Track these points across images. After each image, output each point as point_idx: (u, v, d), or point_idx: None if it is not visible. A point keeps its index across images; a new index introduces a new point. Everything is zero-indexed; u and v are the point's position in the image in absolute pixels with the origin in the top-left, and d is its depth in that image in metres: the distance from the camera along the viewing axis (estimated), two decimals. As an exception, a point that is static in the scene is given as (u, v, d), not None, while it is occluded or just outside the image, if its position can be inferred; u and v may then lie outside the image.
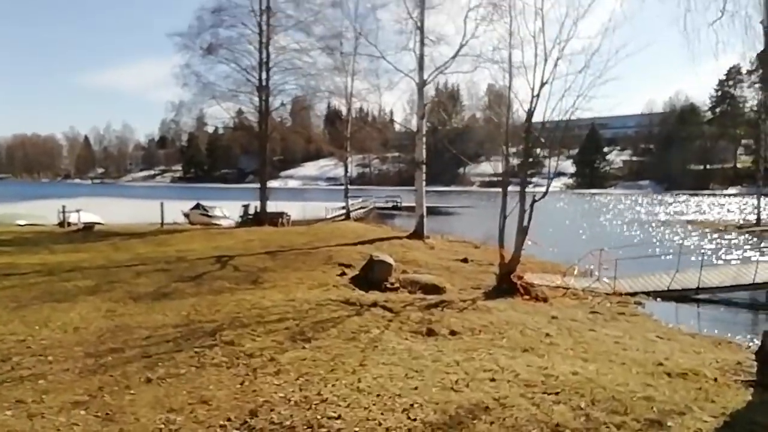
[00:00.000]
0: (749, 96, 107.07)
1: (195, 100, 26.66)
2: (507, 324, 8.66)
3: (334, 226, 27.02)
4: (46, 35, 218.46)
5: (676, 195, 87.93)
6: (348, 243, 19.03)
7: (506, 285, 12.78)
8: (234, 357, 5.89)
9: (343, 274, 12.85)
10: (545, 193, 13.25)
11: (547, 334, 8.13)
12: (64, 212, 26.97)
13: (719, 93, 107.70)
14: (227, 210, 36.05)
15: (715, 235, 31.30)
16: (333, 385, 5.15)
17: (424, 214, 22.32)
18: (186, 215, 34.05)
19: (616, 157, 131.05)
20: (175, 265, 13.47)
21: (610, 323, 10.70)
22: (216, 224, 31.88)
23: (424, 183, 22.43)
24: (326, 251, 16.64)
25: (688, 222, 38.67)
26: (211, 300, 9.03)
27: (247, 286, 10.80)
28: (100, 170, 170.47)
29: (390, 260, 12.40)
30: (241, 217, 29.05)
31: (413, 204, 58.02)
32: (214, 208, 35.64)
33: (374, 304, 8.76)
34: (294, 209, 33.30)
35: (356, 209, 42.00)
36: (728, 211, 49.76)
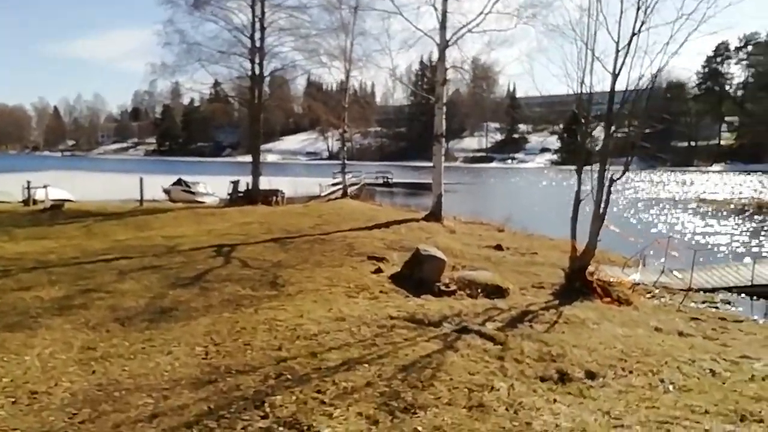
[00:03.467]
0: (736, 73, 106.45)
1: (178, 63, 23.44)
2: (636, 350, 6.31)
3: (336, 206, 24.37)
4: (10, 2, 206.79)
5: (662, 172, 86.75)
6: (361, 227, 16.50)
7: (579, 284, 10.45)
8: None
9: (378, 271, 10.34)
10: (624, 171, 10.84)
11: (712, 372, 5.78)
12: (29, 188, 23.69)
13: (706, 70, 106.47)
14: (210, 186, 33.13)
15: (738, 217, 29.56)
16: None
17: (442, 193, 19.79)
18: (166, 192, 30.98)
19: (601, 134, 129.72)
20: (167, 259, 10.80)
21: (737, 337, 8.45)
22: (199, 201, 29.02)
23: (443, 158, 19.86)
24: (342, 238, 14.10)
25: (699, 201, 36.90)
26: (231, 321, 6.43)
27: (268, 292, 8.24)
28: (71, 142, 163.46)
29: (441, 255, 9.94)
30: (229, 194, 26.16)
31: (407, 180, 55.74)
32: (196, 183, 32.65)
33: (461, 329, 6.26)
34: (284, 185, 30.45)
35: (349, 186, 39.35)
36: (731, 188, 48.33)
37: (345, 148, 31.54)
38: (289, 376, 4.63)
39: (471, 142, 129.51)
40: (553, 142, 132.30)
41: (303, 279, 9.32)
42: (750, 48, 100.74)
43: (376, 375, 4.73)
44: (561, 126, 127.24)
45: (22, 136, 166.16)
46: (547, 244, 17.37)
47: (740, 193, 44.35)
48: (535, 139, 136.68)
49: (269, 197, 24.64)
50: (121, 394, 4.23)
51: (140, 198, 23.99)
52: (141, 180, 23.99)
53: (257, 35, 23.48)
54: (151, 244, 12.96)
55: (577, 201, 10.76)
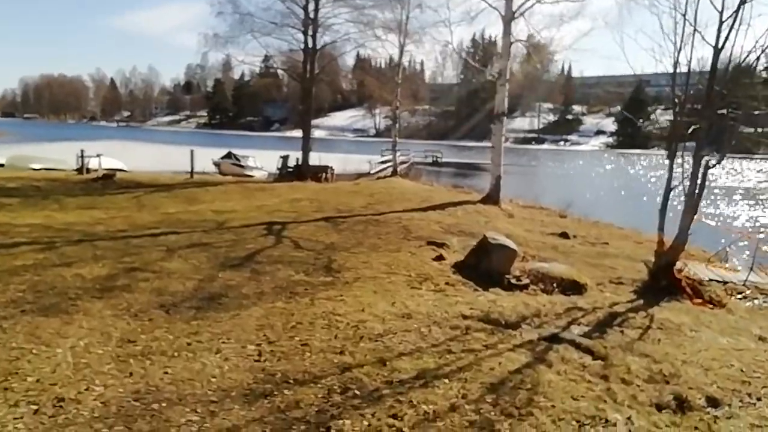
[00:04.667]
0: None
1: (230, 34, 22.92)
2: (758, 370, 5.29)
3: (387, 184, 23.58)
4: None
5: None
6: (415, 208, 15.66)
7: (666, 282, 9.33)
8: None
9: (440, 258, 9.49)
10: (722, 158, 9.56)
11: None
12: (82, 157, 23.78)
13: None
14: (260, 160, 32.87)
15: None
16: None
17: (501, 175, 18.68)
18: (216, 164, 30.93)
19: (660, 117, 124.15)
20: (216, 236, 10.24)
21: None
22: (249, 175, 28.76)
23: (503, 138, 18.69)
24: (396, 219, 13.29)
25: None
26: (286, 314, 5.70)
27: (323, 278, 7.51)
28: (126, 113, 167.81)
29: (512, 244, 8.99)
30: (278, 169, 25.71)
31: (456, 160, 54.38)
32: (247, 157, 32.42)
33: (551, 337, 5.37)
34: (333, 162, 29.77)
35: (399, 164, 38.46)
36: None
37: (396, 126, 30.54)
38: (356, 392, 3.88)
39: (522, 123, 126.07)
40: (609, 124, 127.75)
41: (359, 264, 8.57)
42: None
43: (460, 395, 3.92)
44: (619, 108, 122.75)
45: (79, 106, 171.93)
46: (617, 234, 16.13)
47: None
48: (590, 121, 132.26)
49: (319, 173, 24.07)
50: (161, 407, 3.55)
51: (191, 170, 23.77)
52: (192, 152, 23.77)
53: (311, 6, 22.73)
54: (200, 218, 12.49)
55: (668, 190, 9.57)
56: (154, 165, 31.10)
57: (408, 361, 4.50)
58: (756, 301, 10.37)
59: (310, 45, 23.15)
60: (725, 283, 11.11)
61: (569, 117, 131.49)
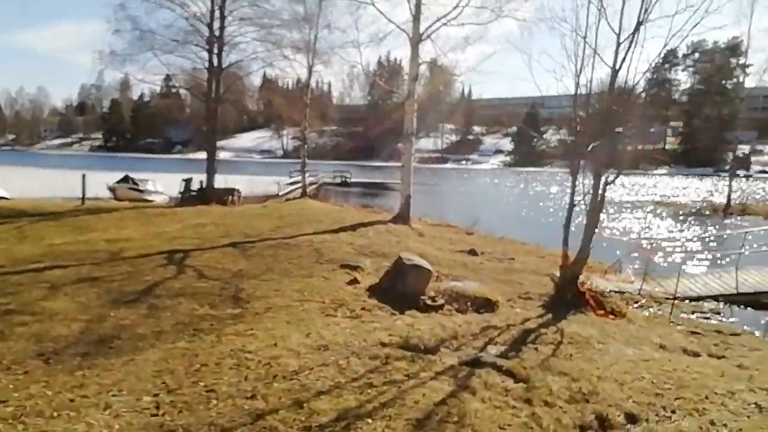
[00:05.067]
0: (683, 79, 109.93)
1: (129, 51, 21.55)
2: (668, 382, 5.42)
3: (296, 206, 23.06)
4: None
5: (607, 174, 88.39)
6: (327, 230, 15.34)
7: (571, 295, 9.61)
8: None
9: (354, 282, 9.23)
10: (619, 174, 10.01)
11: (759, 407, 4.94)
12: (-43, 184, 21.39)
13: (655, 75, 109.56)
14: (160, 184, 31.15)
15: (697, 220, 29.83)
16: None
17: (411, 194, 18.79)
18: (112, 189, 28.87)
19: (552, 136, 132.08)
20: (110, 268, 9.36)
21: (744, 354, 7.77)
22: (148, 200, 27.13)
23: (412, 158, 18.84)
24: (307, 242, 12.91)
25: (657, 203, 37.22)
26: (188, 355, 5.15)
27: (231, 310, 7.00)
28: (11, 136, 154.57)
29: (426, 264, 8.90)
30: (181, 193, 24.42)
31: (365, 180, 54.55)
32: (145, 181, 30.59)
33: (473, 361, 5.22)
34: (240, 184, 28.79)
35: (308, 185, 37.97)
36: (682, 191, 49.37)
37: (305, 146, 30.14)
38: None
39: (427, 143, 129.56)
40: (506, 143, 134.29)
41: (270, 292, 8.12)
42: (697, 55, 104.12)
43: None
44: (515, 128, 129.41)
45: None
46: (521, 249, 16.64)
47: (693, 195, 45.28)
48: (489, 141, 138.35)
49: (225, 196, 23.11)
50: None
51: (82, 196, 22.01)
52: (83, 177, 22.01)
53: (216, 24, 21.95)
54: (91, 249, 11.45)
55: (571, 206, 9.92)
56: (42, 191, 28.57)
57: (327, 401, 4.16)
58: (651, 310, 10.97)
59: (215, 64, 22.32)
60: (622, 293, 11.69)
61: (470, 137, 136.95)
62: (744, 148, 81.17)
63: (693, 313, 10.91)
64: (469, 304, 8.58)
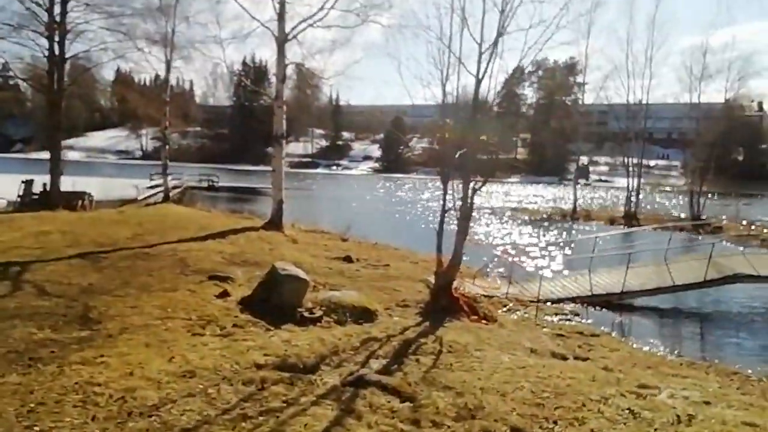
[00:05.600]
0: (529, 95, 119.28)
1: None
2: (546, 390, 5.55)
3: (158, 211, 21.34)
4: None
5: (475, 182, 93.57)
6: (193, 237, 14.31)
7: (446, 301, 9.71)
8: None
9: (225, 294, 8.56)
10: (485, 181, 10.30)
11: (632, 413, 5.14)
12: None
13: (505, 90, 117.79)
14: (-5, 187, 27.44)
15: (548, 225, 32.28)
16: None
17: (283, 199, 18.18)
18: (-69, 194, 24.90)
19: (416, 144, 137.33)
20: None
21: (607, 356, 8.31)
22: (-22, 205, 23.73)
23: (283, 162, 18.26)
24: (170, 252, 11.92)
25: (513, 210, 39.78)
26: (21, 393, 4.25)
27: (78, 332, 6.08)
28: None
29: (302, 274, 8.47)
30: (20, 196, 21.57)
31: (233, 184, 52.48)
32: (-25, 183, 26.77)
33: (355, 381, 4.92)
34: (92, 187, 26.10)
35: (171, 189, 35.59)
36: (533, 198, 53.41)
37: (167, 147, 28.19)
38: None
39: (297, 147, 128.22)
40: (375, 150, 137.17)
41: (126, 310, 7.23)
42: (540, 72, 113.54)
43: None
44: (383, 135, 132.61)
45: None
46: (395, 255, 16.75)
47: (543, 202, 49.14)
48: (358, 147, 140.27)
49: (73, 201, 20.76)
50: None
51: None
52: None
53: (57, 9, 19.68)
54: None
55: (443, 212, 10.06)
56: None
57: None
58: (518, 313, 11.46)
59: (57, 53, 20.00)
60: (491, 297, 12.12)
61: (339, 143, 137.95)
62: (584, 159, 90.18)
63: (555, 314, 11.57)
64: (348, 314, 8.32)
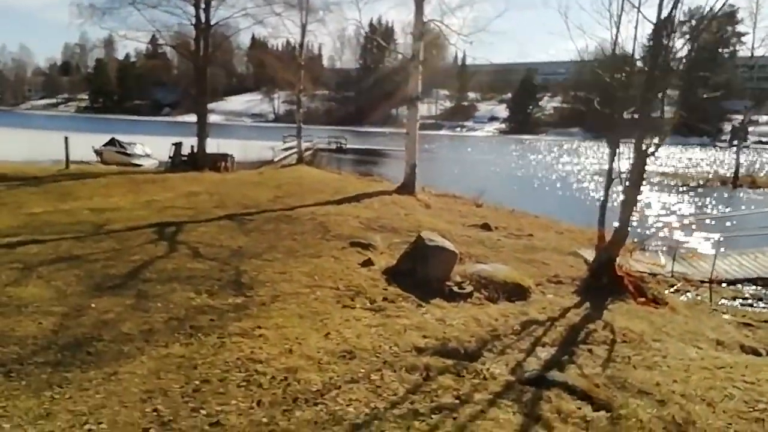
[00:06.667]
0: (679, 47, 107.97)
1: (109, 4, 20.03)
2: (762, 400, 4.54)
3: (294, 173, 21.93)
4: None
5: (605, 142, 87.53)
6: (329, 201, 14.33)
7: (608, 280, 8.69)
8: None
9: (368, 263, 8.24)
10: (660, 144, 8.98)
11: None
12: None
13: (651, 42, 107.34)
14: (149, 147, 29.81)
15: (708, 193, 29.03)
16: None
17: (416, 163, 17.70)
18: (98, 153, 27.58)
19: (547, 104, 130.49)
20: (93, 244, 8.31)
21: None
22: (136, 165, 25.88)
23: (418, 125, 17.69)
24: (310, 215, 11.90)
25: (663, 175, 36.29)
26: (185, 367, 4.12)
27: (233, 299, 6.01)
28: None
29: (450, 246, 7.92)
30: (171, 158, 23.13)
31: (360, 146, 53.21)
32: (133, 144, 29.27)
33: (536, 379, 4.28)
34: (233, 149, 27.43)
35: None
36: (685, 162, 48.52)
37: (300, 110, 28.80)
38: None
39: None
40: (501, 110, 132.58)
41: (276, 276, 7.12)
42: (693, 22, 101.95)
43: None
44: (510, 95, 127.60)
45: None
46: (536, 223, 15.68)
47: (697, 166, 44.48)
48: (484, 108, 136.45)
49: (218, 162, 21.87)
50: None
51: (66, 160, 20.71)
52: (66, 139, 20.65)
53: (203, -24, 20.37)
54: (73, 220, 10.38)
55: (610, 181, 8.92)
56: (27, 154, 27.15)
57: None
58: (689, 295, 10.08)
59: (203, 20, 20.80)
60: (655, 275, 10.81)
61: (465, 104, 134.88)
62: (740, 118, 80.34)
63: (734, 298, 10.05)
64: (499, 291, 7.65)
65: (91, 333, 4.76)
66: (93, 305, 5.50)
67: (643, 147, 8.53)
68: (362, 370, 4.23)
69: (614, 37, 9.08)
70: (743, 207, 22.27)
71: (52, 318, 5.06)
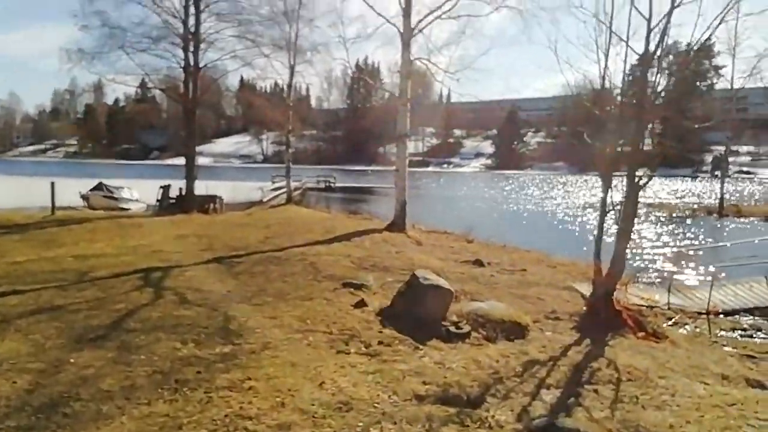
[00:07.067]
0: (659, 81, 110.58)
1: (99, 49, 20.08)
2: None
3: (283, 214, 21.75)
4: None
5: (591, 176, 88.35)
6: (319, 240, 14.12)
7: (606, 314, 8.49)
8: None
9: (361, 304, 8.00)
10: (651, 177, 8.93)
11: None
12: None
13: (631, 77, 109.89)
14: (137, 191, 29.56)
15: (696, 223, 29.14)
16: None
17: (406, 200, 17.61)
18: (84, 198, 27.26)
19: (531, 139, 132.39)
20: (75, 292, 8.01)
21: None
22: (123, 209, 25.59)
23: (407, 161, 17.68)
24: (300, 256, 11.67)
25: (649, 206, 36.49)
26: (169, 426, 3.87)
27: (221, 348, 5.73)
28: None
29: (446, 284, 7.71)
30: (159, 201, 22.92)
31: (349, 184, 53.32)
32: (120, 188, 29.01)
33: (546, 427, 4.03)
34: (221, 190, 27.27)
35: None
36: (670, 193, 48.98)
37: (289, 151, 28.84)
38: None
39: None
40: (487, 146, 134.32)
41: (266, 321, 6.86)
42: (671, 57, 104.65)
43: None
44: (495, 131, 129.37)
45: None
46: (528, 258, 15.50)
47: (681, 197, 44.86)
48: (469, 144, 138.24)
49: (206, 204, 21.70)
50: None
51: (52, 206, 20.39)
52: (52, 184, 20.39)
53: (191, 20, 20.58)
54: (57, 268, 10.07)
55: (603, 214, 8.82)
56: (13, 201, 26.78)
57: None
58: (688, 327, 9.89)
59: (192, 63, 20.94)
60: (652, 308, 10.62)
61: (450, 140, 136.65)
62: (719, 149, 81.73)
63: (732, 329, 9.86)
64: (497, 329, 7.42)
65: (69, 391, 4.45)
66: (72, 360, 5.21)
67: (635, 179, 8.48)
68: (360, 424, 3.97)
69: (602, 71, 9.10)
70: (726, 235, 22.29)
71: (27, 376, 4.76)
